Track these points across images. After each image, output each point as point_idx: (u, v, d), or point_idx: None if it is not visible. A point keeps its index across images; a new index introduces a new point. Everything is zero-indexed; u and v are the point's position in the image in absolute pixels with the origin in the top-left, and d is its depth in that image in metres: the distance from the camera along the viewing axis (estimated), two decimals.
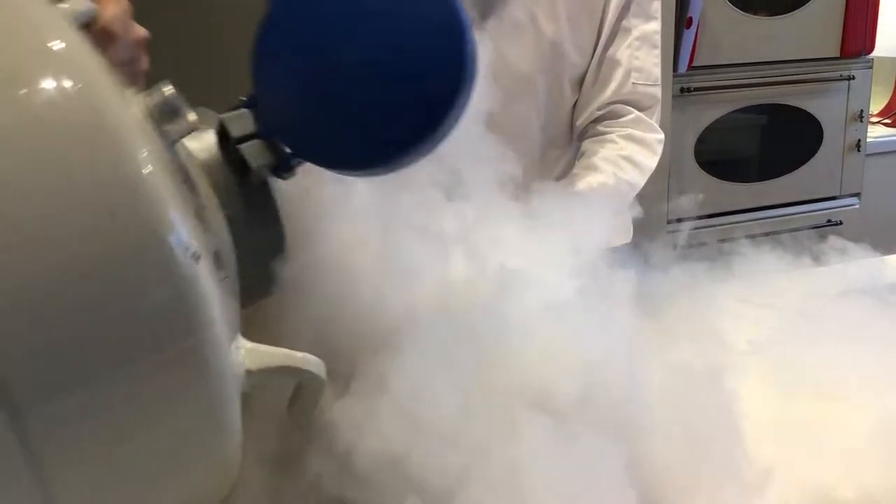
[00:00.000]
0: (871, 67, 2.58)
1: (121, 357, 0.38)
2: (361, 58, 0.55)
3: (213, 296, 0.41)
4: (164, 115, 0.44)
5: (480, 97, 1.13)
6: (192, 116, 0.45)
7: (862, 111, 2.58)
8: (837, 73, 2.52)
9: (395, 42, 0.56)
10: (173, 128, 0.44)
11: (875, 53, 2.57)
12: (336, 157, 0.57)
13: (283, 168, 0.56)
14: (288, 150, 0.56)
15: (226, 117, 0.56)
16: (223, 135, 0.55)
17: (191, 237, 0.40)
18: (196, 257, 0.40)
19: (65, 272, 0.36)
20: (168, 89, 0.44)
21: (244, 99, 0.57)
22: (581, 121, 1.19)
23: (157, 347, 0.39)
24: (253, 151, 0.55)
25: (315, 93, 0.55)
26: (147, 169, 0.39)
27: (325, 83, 0.55)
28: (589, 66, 1.17)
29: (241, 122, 0.56)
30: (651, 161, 1.17)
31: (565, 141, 1.22)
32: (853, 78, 2.54)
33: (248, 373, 0.46)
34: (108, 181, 0.38)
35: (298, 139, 0.56)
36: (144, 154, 0.39)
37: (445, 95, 0.55)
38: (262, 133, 0.56)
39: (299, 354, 0.50)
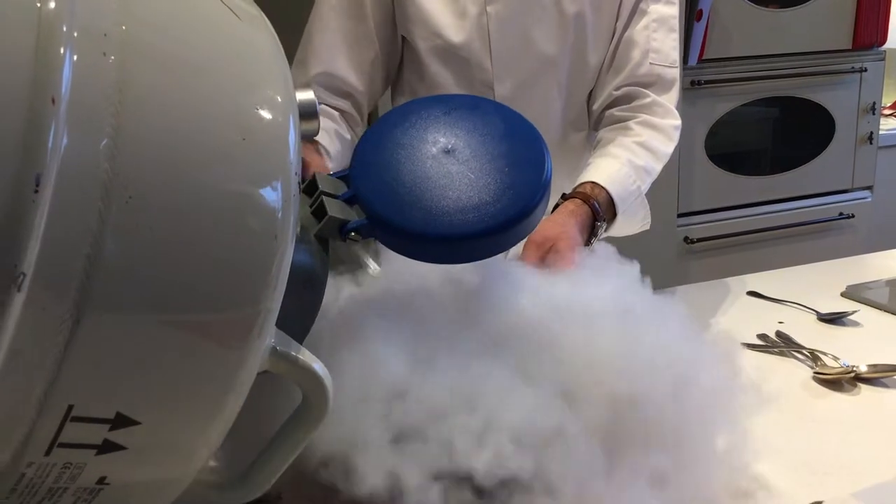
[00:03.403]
0: (883, 59, 2.56)
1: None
2: (455, 168, 0.67)
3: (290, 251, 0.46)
4: (303, 114, 0.50)
5: (507, 77, 1.13)
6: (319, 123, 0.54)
7: (874, 103, 2.57)
8: (849, 66, 2.51)
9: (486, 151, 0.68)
10: (307, 126, 0.51)
11: (888, 45, 2.55)
12: (405, 236, 0.65)
13: (348, 230, 0.63)
14: (360, 220, 0.64)
15: (319, 174, 0.65)
16: (313, 186, 0.64)
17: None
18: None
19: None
20: (309, 95, 0.52)
21: (339, 171, 0.68)
22: (598, 104, 1.19)
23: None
24: (332, 204, 0.63)
25: (406, 180, 0.66)
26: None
27: (413, 176, 0.66)
28: (608, 48, 1.17)
29: (332, 183, 0.65)
30: (667, 147, 1.16)
31: (585, 124, 1.22)
32: (865, 70, 2.52)
33: (274, 351, 0.48)
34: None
35: (378, 212, 0.65)
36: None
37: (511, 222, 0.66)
38: (346, 197, 0.65)
39: (321, 365, 0.51)
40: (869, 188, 2.62)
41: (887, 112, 2.84)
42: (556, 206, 1.03)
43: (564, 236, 0.95)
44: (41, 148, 0.37)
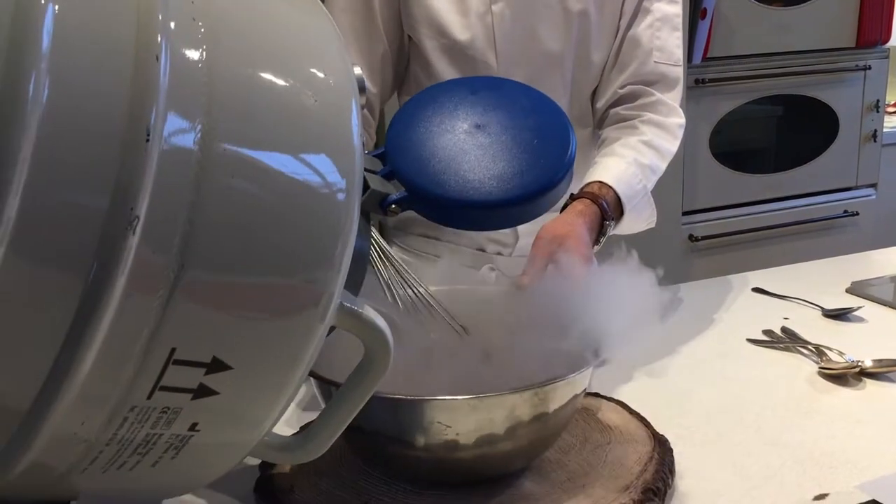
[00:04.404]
0: (887, 57, 2.57)
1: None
2: (487, 140, 0.71)
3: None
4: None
5: (513, 74, 1.15)
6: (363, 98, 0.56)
7: (878, 101, 2.57)
8: (853, 63, 2.51)
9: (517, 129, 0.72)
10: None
11: (891, 43, 2.56)
12: (444, 205, 0.69)
13: (389, 203, 0.66)
14: (400, 193, 0.67)
15: None
16: None
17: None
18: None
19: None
20: (357, 70, 0.54)
21: (376, 150, 0.71)
22: (602, 102, 1.19)
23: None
24: (373, 179, 0.66)
25: (439, 154, 0.70)
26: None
27: (448, 150, 0.70)
28: (612, 44, 1.18)
29: (370, 160, 0.68)
30: (672, 145, 1.17)
31: (589, 121, 1.23)
32: (869, 68, 2.53)
33: (341, 306, 0.51)
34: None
35: (417, 184, 0.68)
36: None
37: (538, 191, 0.70)
38: (383, 173, 0.68)
39: (383, 321, 0.54)
40: (873, 186, 2.63)
41: (891, 110, 2.85)
42: (565, 205, 1.04)
43: (574, 234, 0.96)
44: (149, 101, 0.41)
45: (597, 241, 1.03)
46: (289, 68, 0.48)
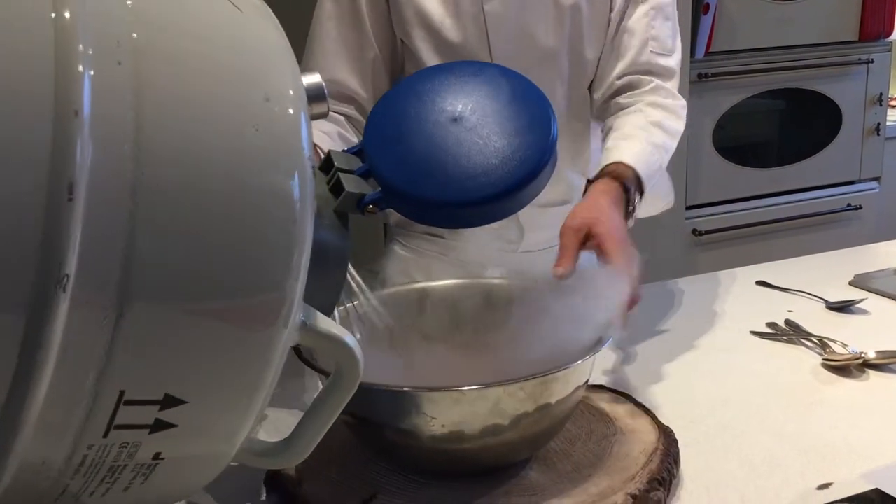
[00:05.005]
0: (890, 50, 2.57)
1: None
2: (465, 137, 0.70)
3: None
4: (311, 97, 0.52)
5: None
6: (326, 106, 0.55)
7: (881, 94, 2.57)
8: (856, 57, 2.51)
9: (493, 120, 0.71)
10: (317, 109, 0.53)
11: (894, 36, 2.55)
12: (419, 205, 0.68)
13: (365, 203, 0.66)
14: (376, 193, 0.67)
15: (333, 152, 0.67)
16: (328, 164, 0.66)
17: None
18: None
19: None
20: (316, 79, 0.53)
21: (353, 147, 0.70)
22: (600, 93, 1.19)
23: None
24: (349, 179, 0.65)
25: (415, 151, 0.69)
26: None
27: (424, 145, 0.69)
28: (605, 36, 1.18)
29: (347, 159, 0.68)
30: (678, 125, 1.16)
31: (587, 113, 1.23)
32: (872, 61, 2.53)
33: (303, 325, 0.51)
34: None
35: (393, 184, 0.67)
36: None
37: (521, 181, 0.68)
38: (361, 171, 0.67)
39: (351, 336, 0.54)
40: (876, 179, 2.63)
41: (895, 103, 2.84)
42: (585, 189, 1.01)
43: (603, 218, 0.92)
44: (70, 158, 0.40)
45: (626, 217, 0.99)
46: (229, 94, 0.46)
